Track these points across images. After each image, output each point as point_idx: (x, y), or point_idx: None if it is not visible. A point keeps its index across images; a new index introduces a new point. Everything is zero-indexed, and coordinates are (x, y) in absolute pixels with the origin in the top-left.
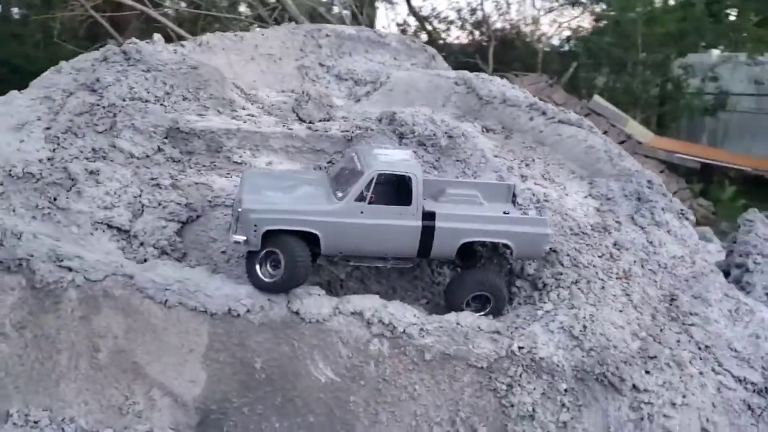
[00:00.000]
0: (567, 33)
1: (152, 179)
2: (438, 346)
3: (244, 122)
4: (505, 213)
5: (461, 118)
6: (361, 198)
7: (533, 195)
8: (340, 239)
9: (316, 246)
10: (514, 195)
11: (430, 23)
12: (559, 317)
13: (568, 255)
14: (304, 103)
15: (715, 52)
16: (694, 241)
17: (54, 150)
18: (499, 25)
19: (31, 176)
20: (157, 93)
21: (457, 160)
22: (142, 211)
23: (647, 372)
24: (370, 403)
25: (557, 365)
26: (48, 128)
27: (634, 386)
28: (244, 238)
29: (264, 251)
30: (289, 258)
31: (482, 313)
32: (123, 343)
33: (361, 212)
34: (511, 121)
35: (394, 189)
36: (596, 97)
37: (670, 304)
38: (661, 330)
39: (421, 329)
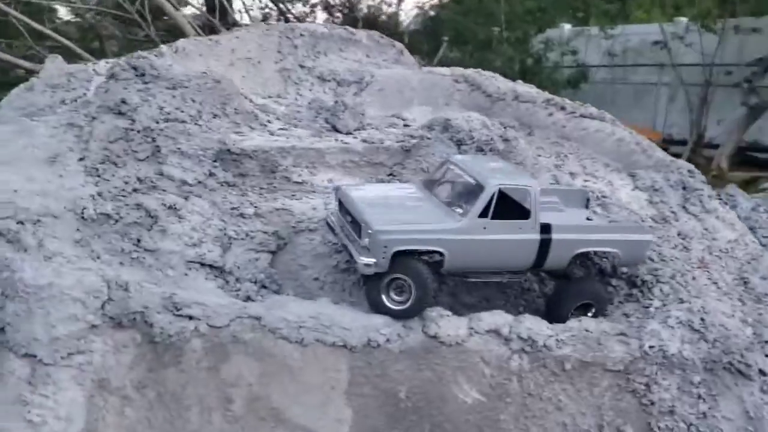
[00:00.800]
0: (431, 13)
1: (233, 209)
2: (575, 354)
3: (286, 138)
4: (588, 219)
5: None
6: (484, 214)
7: (591, 192)
8: (464, 256)
9: (438, 265)
10: (588, 200)
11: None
12: (673, 312)
13: (653, 250)
14: (341, 113)
15: (567, 27)
16: (740, 224)
17: (97, 183)
18: (364, 7)
19: (107, 218)
20: (190, 112)
21: (516, 164)
22: (231, 244)
23: (766, 356)
24: (519, 419)
25: (687, 359)
26: (81, 159)
27: (760, 370)
28: (375, 260)
29: (391, 276)
30: (418, 281)
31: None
32: (258, 390)
33: (484, 228)
34: (529, 117)
35: (502, 200)
36: None
37: (745, 287)
38: (759, 314)
39: (557, 340)
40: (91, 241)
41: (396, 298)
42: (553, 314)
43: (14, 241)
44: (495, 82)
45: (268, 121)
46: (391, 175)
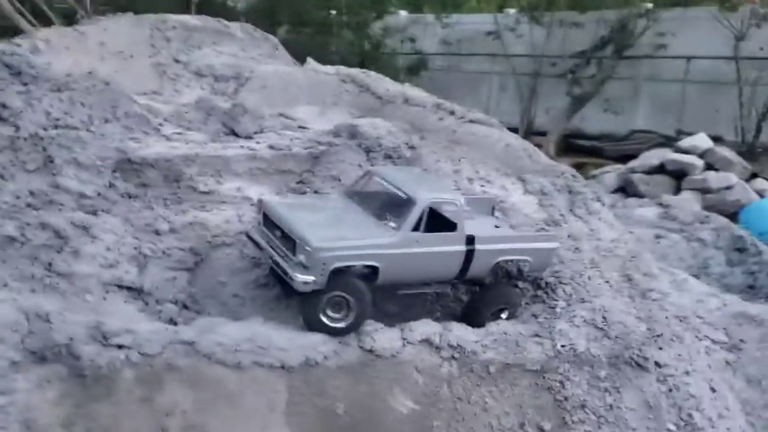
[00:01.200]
0: None
1: (147, 225)
2: (499, 357)
3: (186, 144)
4: (496, 227)
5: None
6: (416, 227)
7: (497, 200)
8: (397, 270)
9: (371, 279)
10: (494, 208)
11: None
12: (578, 312)
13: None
14: (240, 116)
15: (404, 13)
16: (618, 223)
17: None
18: None
19: (11, 241)
20: (81, 117)
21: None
22: (147, 263)
23: (660, 348)
24: (450, 424)
25: (594, 356)
26: None
27: (656, 363)
28: (313, 278)
29: (330, 293)
30: (358, 297)
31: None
32: (194, 418)
33: (417, 241)
34: (420, 121)
35: (432, 213)
36: (310, 60)
37: (630, 284)
38: (650, 310)
39: (482, 345)
40: None
41: (333, 315)
42: (471, 320)
43: None
44: (383, 83)
45: (160, 125)
46: (300, 182)
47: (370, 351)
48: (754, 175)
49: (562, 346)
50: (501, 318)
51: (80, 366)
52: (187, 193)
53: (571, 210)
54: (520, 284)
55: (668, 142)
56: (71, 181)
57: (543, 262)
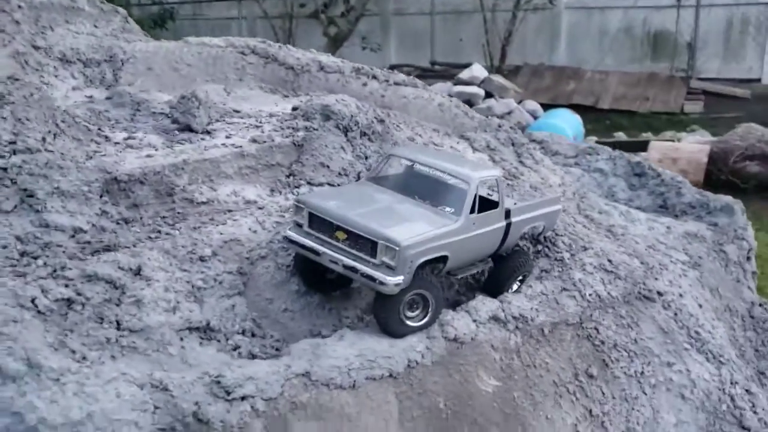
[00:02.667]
0: None
1: (191, 253)
2: (548, 318)
3: (156, 149)
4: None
5: (275, 92)
6: (472, 210)
7: None
8: (458, 255)
9: (438, 269)
10: None
11: None
12: (585, 259)
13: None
14: (195, 109)
15: None
16: (558, 168)
17: None
18: None
19: (67, 303)
20: (34, 136)
21: (395, 144)
22: (202, 296)
23: (656, 279)
24: (526, 392)
25: (613, 297)
26: None
27: (658, 292)
28: (402, 278)
29: (411, 292)
30: (435, 292)
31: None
32: None
33: (474, 224)
34: (342, 89)
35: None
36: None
37: (593, 223)
38: (632, 248)
39: (534, 309)
40: (66, 340)
41: (410, 314)
42: (494, 290)
43: None
44: (290, 52)
45: (99, 130)
46: (291, 175)
47: (454, 339)
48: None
49: (589, 294)
50: (520, 284)
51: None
52: (186, 207)
53: (520, 161)
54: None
55: (423, 73)
56: (61, 216)
57: (552, 223)
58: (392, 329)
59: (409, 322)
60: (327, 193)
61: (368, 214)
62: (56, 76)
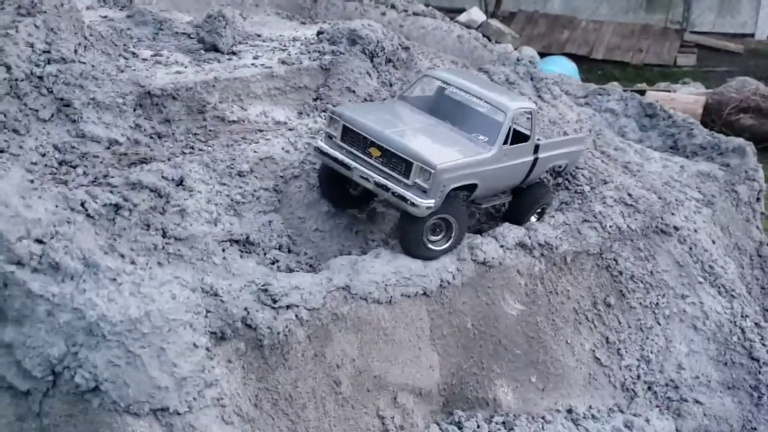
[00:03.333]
0: None
1: (229, 167)
2: (570, 247)
3: (185, 67)
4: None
5: (292, 18)
6: (505, 141)
7: None
8: (488, 184)
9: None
10: None
11: None
12: (605, 192)
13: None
14: (222, 29)
15: None
16: (574, 105)
17: (6, 164)
18: None
19: (115, 209)
20: (67, 46)
21: (418, 72)
22: (241, 211)
23: (673, 214)
24: (548, 317)
25: (633, 230)
26: None
27: (674, 227)
28: (433, 201)
29: (436, 217)
30: (460, 219)
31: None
32: (360, 363)
33: (505, 155)
34: (360, 17)
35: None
36: None
37: (610, 159)
38: (649, 184)
39: (558, 238)
40: (115, 244)
41: (433, 238)
42: (514, 220)
43: (48, 268)
44: None
45: (125, 46)
46: (318, 99)
47: (483, 263)
48: None
49: (609, 226)
50: (539, 217)
51: (258, 337)
52: (217, 124)
53: (539, 96)
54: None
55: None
56: (96, 127)
57: (574, 162)
58: (414, 251)
59: (431, 246)
60: (362, 107)
61: (404, 133)
62: None
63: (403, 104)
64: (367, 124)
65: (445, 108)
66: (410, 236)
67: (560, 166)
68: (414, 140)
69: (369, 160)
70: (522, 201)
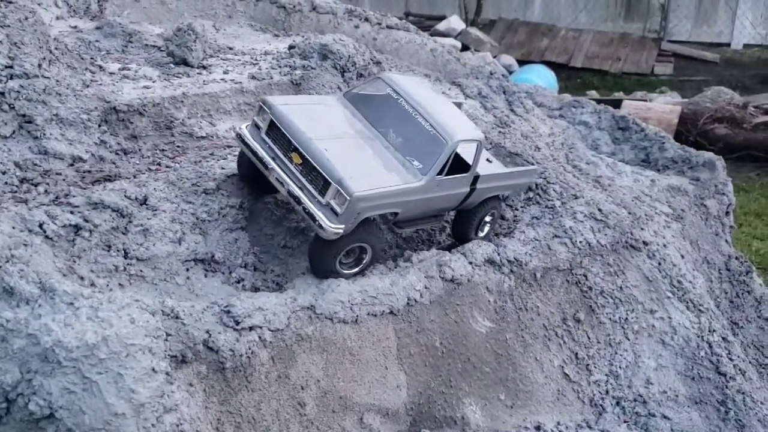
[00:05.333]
0: None
1: (195, 185)
2: (540, 263)
3: (153, 81)
4: (488, 160)
5: (265, 30)
6: (441, 171)
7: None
8: (411, 212)
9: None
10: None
11: None
12: (575, 207)
13: (523, 154)
14: (192, 42)
15: None
16: (547, 118)
17: None
18: None
19: (75, 230)
20: (30, 61)
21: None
22: (206, 229)
23: (642, 229)
24: (518, 334)
25: (602, 245)
26: None
27: (643, 242)
28: (344, 227)
29: (352, 244)
30: (375, 245)
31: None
32: (325, 384)
33: (437, 186)
34: (333, 30)
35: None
36: None
37: (582, 173)
38: (619, 195)
39: (527, 254)
40: (74, 266)
41: (346, 261)
42: (460, 236)
43: (2, 293)
44: None
45: (92, 59)
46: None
47: (451, 280)
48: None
49: (580, 241)
50: (486, 227)
51: (220, 359)
52: (185, 140)
53: (511, 110)
54: None
55: None
56: (60, 144)
57: (520, 192)
58: (321, 271)
59: (340, 268)
60: (298, 102)
61: (332, 146)
62: (39, 4)
63: (344, 105)
64: (295, 126)
65: (389, 118)
66: (321, 259)
67: (502, 196)
68: (339, 157)
69: (289, 165)
70: (464, 219)
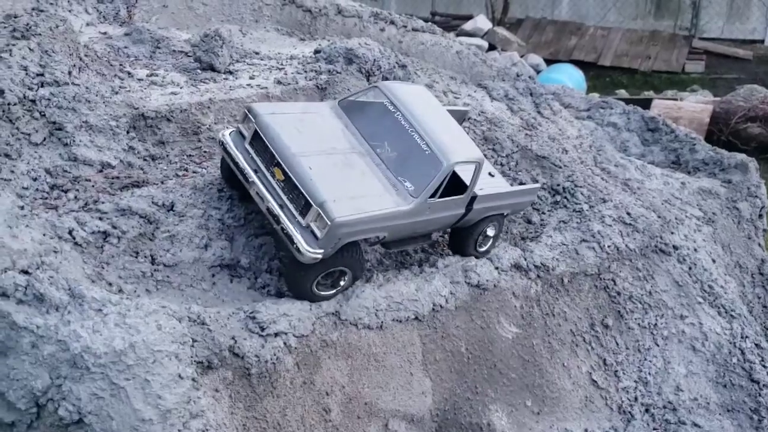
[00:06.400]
0: None
1: (221, 191)
2: (567, 268)
3: (180, 87)
4: (490, 174)
5: (291, 34)
6: (434, 194)
7: (470, 109)
8: (399, 234)
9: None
10: (464, 119)
11: None
12: (604, 211)
13: (550, 157)
14: (219, 48)
15: None
16: (575, 120)
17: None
18: None
19: (103, 236)
20: (60, 69)
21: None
22: (233, 234)
23: (672, 233)
24: (545, 339)
25: (631, 250)
26: None
27: (674, 246)
28: (323, 251)
29: (331, 268)
30: (356, 268)
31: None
32: (350, 390)
33: (429, 208)
34: (359, 33)
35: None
36: None
37: (610, 176)
38: (649, 202)
39: (555, 259)
40: (103, 272)
41: (324, 282)
42: (457, 251)
43: (33, 299)
44: None
45: (121, 66)
46: None
47: (477, 285)
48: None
49: (608, 246)
50: (489, 236)
51: (245, 365)
52: (211, 146)
53: (538, 112)
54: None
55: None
56: (89, 150)
57: (520, 210)
58: (297, 292)
59: (316, 289)
60: (286, 111)
61: (318, 164)
62: (70, 11)
63: (338, 115)
64: (280, 139)
65: (383, 131)
66: (298, 280)
67: (502, 214)
68: (324, 176)
69: (271, 180)
70: (462, 233)
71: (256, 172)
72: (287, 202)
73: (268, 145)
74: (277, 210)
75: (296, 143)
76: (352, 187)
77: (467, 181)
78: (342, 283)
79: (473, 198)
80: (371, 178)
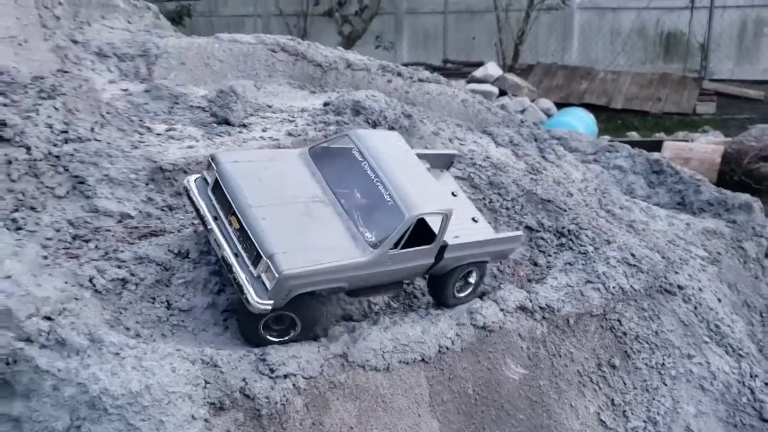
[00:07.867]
0: None
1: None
2: (573, 309)
3: (196, 141)
4: (473, 220)
5: (303, 87)
6: (396, 245)
7: (469, 156)
8: (358, 284)
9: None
10: (452, 162)
11: None
12: (609, 253)
13: (555, 200)
14: (233, 103)
15: None
16: (580, 164)
17: (25, 237)
18: None
19: (122, 283)
20: (83, 125)
21: (420, 138)
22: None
23: (677, 273)
24: (551, 380)
25: (636, 290)
26: None
27: (678, 286)
28: (272, 302)
29: (279, 313)
30: (309, 318)
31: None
32: (359, 431)
33: (390, 260)
34: (368, 85)
35: (415, 226)
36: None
37: (615, 218)
38: (653, 243)
39: (560, 300)
40: (121, 318)
41: (276, 327)
42: (435, 299)
43: (55, 344)
44: (318, 49)
45: (141, 121)
46: None
47: (483, 327)
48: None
49: (613, 287)
50: (470, 283)
51: (256, 406)
52: None
53: (543, 157)
54: (543, 235)
55: (435, 72)
56: (109, 202)
57: (502, 258)
58: (247, 337)
59: (268, 336)
60: (251, 160)
61: (275, 215)
62: (93, 70)
63: (306, 163)
64: (238, 189)
65: (349, 180)
66: (247, 325)
67: (482, 262)
68: (277, 228)
69: (229, 228)
70: (439, 280)
71: (215, 219)
72: (242, 251)
73: (226, 193)
74: (231, 259)
75: (254, 193)
76: (309, 237)
77: (436, 231)
78: (291, 333)
79: (444, 247)
80: (331, 228)
